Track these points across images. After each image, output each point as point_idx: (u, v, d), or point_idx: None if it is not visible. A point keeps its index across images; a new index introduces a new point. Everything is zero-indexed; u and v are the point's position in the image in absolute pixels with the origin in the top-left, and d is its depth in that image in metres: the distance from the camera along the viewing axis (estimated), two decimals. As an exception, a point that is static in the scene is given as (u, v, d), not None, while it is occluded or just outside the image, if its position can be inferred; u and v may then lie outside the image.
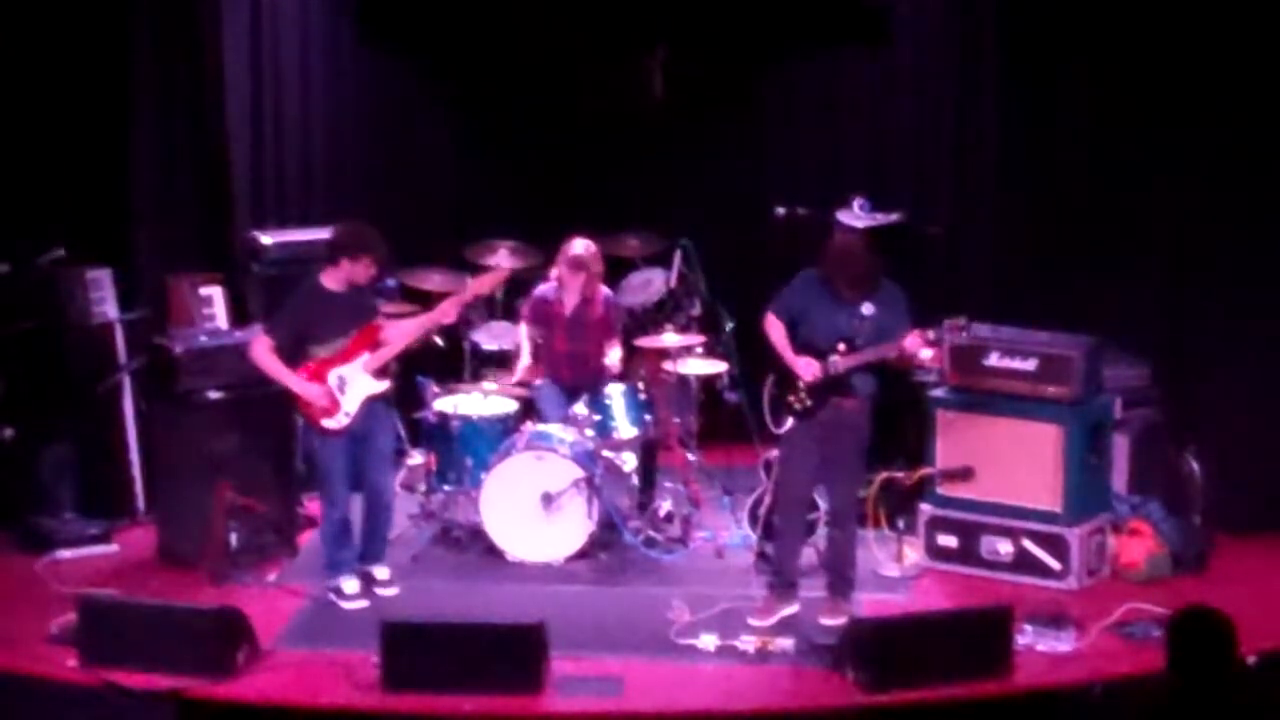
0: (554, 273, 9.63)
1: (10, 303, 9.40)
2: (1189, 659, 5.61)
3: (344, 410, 8.32)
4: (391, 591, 8.59)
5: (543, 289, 9.66)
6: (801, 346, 8.12)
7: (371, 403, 8.40)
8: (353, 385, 8.34)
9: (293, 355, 8.31)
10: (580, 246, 9.47)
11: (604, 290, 9.65)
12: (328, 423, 8.32)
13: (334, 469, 8.37)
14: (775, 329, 8.22)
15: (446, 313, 8.61)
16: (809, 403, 8.11)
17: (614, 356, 9.53)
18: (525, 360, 9.63)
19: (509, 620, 7.67)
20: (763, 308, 8.27)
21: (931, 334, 7.98)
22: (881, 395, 9.38)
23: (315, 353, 8.32)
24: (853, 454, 8.23)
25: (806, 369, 8.07)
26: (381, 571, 8.64)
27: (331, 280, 8.34)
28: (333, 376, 8.31)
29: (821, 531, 8.60)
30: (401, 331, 8.58)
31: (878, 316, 8.02)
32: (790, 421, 8.17)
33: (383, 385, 8.46)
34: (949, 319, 8.03)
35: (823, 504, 8.59)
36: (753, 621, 8.14)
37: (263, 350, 8.33)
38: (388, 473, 8.73)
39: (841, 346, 8.03)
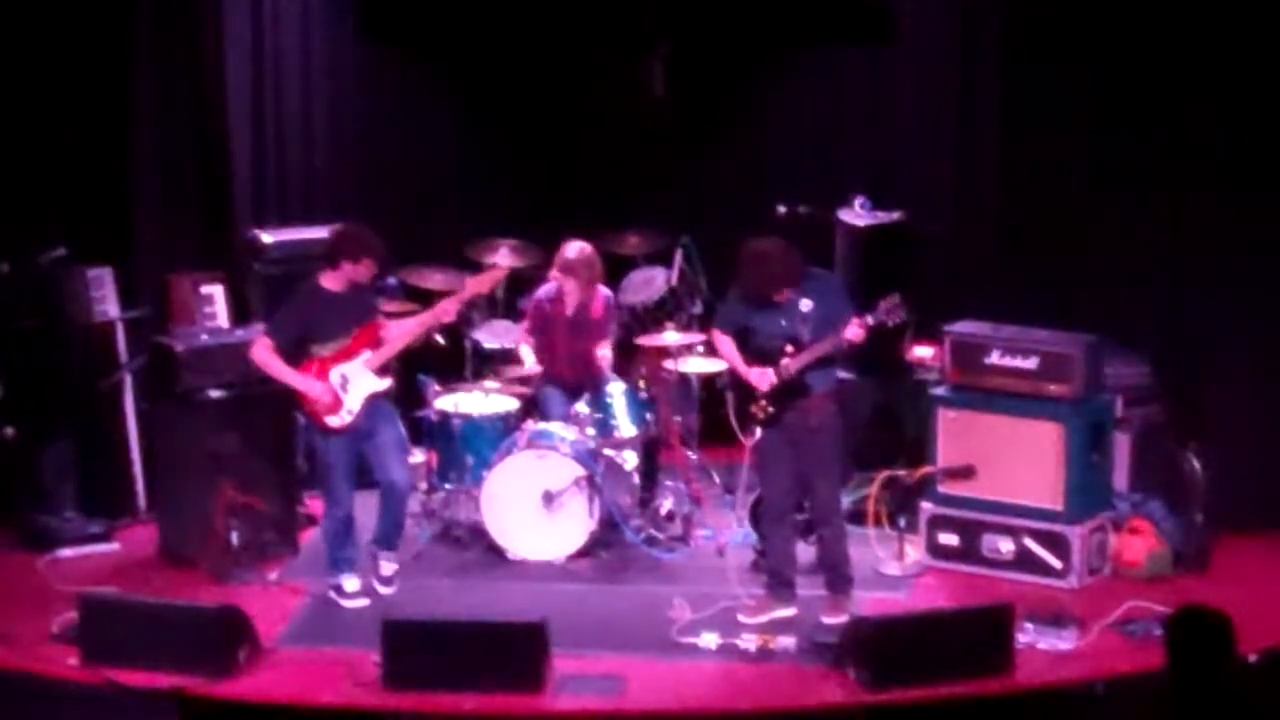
0: (554, 273, 9.64)
1: (11, 301, 9.41)
2: (1188, 658, 5.61)
3: (347, 408, 8.33)
4: (389, 590, 8.59)
5: (544, 290, 9.67)
6: (754, 355, 8.14)
7: (374, 400, 8.41)
8: (355, 383, 8.35)
9: (294, 355, 8.32)
10: (573, 250, 9.47)
11: (603, 291, 9.64)
12: (332, 420, 8.33)
13: (337, 467, 8.38)
14: (724, 344, 8.27)
15: (446, 311, 8.63)
16: (771, 410, 8.12)
17: (604, 353, 9.52)
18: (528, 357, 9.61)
19: (510, 619, 7.69)
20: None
21: (870, 318, 7.96)
22: (881, 394, 9.42)
23: (317, 352, 8.33)
24: (827, 451, 8.22)
25: (760, 379, 8.09)
26: (388, 566, 8.63)
27: (331, 281, 8.35)
28: (335, 375, 8.32)
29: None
30: (402, 330, 8.60)
31: (818, 310, 8.03)
32: (758, 432, 8.18)
33: (385, 383, 8.48)
34: (883, 299, 8.00)
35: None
36: (742, 619, 8.15)
37: (264, 351, 8.34)
38: (402, 464, 8.67)
39: (789, 348, 8.04)
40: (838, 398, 8.26)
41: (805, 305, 8.04)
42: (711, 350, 9.91)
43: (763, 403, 8.12)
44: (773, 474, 8.29)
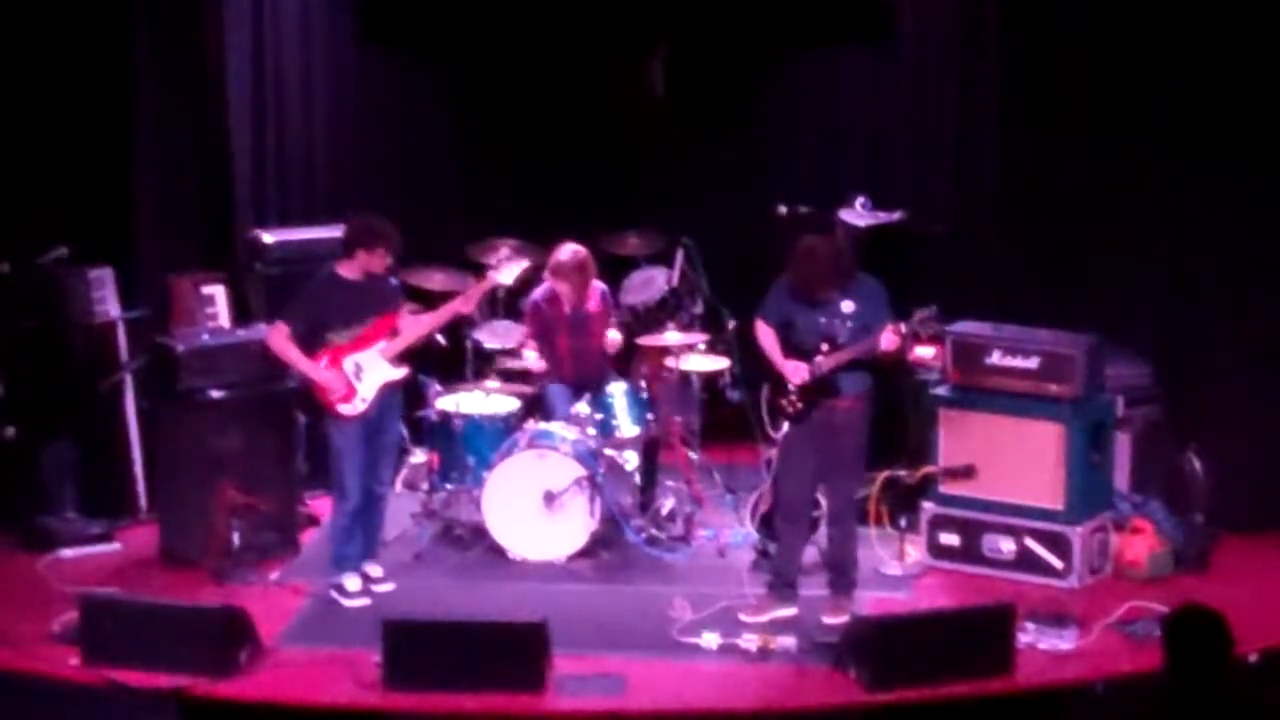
0: (546, 275, 9.64)
1: (12, 302, 9.41)
2: (1185, 658, 5.62)
3: (360, 396, 8.34)
4: (387, 587, 8.60)
5: (539, 292, 9.67)
6: (792, 350, 8.15)
7: (388, 392, 8.42)
8: (369, 372, 8.36)
9: (310, 343, 8.34)
10: (565, 254, 9.47)
11: (598, 286, 9.65)
12: (344, 409, 8.33)
13: (349, 458, 8.37)
14: (765, 335, 8.27)
15: (467, 302, 8.71)
16: (800, 406, 8.13)
17: (613, 336, 9.53)
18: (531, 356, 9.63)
19: (511, 618, 7.68)
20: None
21: (904, 327, 7.98)
22: (882, 394, 9.41)
23: (332, 340, 8.35)
24: (849, 454, 8.23)
25: (794, 373, 8.11)
26: (375, 569, 8.65)
27: (347, 270, 8.37)
28: (349, 363, 8.34)
29: (824, 530, 8.60)
30: (420, 320, 8.62)
31: (858, 313, 8.05)
32: (785, 426, 8.20)
33: (400, 372, 8.49)
34: (919, 310, 8.02)
35: (824, 503, 8.59)
36: (744, 618, 8.15)
37: (279, 337, 8.37)
38: (390, 473, 8.77)
39: (825, 347, 8.06)
40: (869, 401, 8.25)
41: (847, 306, 8.06)
42: (715, 349, 9.94)
43: (792, 397, 8.13)
44: (792, 471, 8.29)
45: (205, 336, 9.22)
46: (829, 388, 8.09)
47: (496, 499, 8.99)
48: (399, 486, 9.70)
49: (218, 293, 9.82)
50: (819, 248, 8.19)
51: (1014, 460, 8.79)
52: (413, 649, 7.46)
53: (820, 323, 8.08)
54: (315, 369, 8.33)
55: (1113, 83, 9.77)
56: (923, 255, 10.25)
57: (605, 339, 9.56)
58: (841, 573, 8.31)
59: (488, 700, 7.35)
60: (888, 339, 7.94)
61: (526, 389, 9.70)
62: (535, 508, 8.95)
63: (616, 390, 9.39)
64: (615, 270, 10.45)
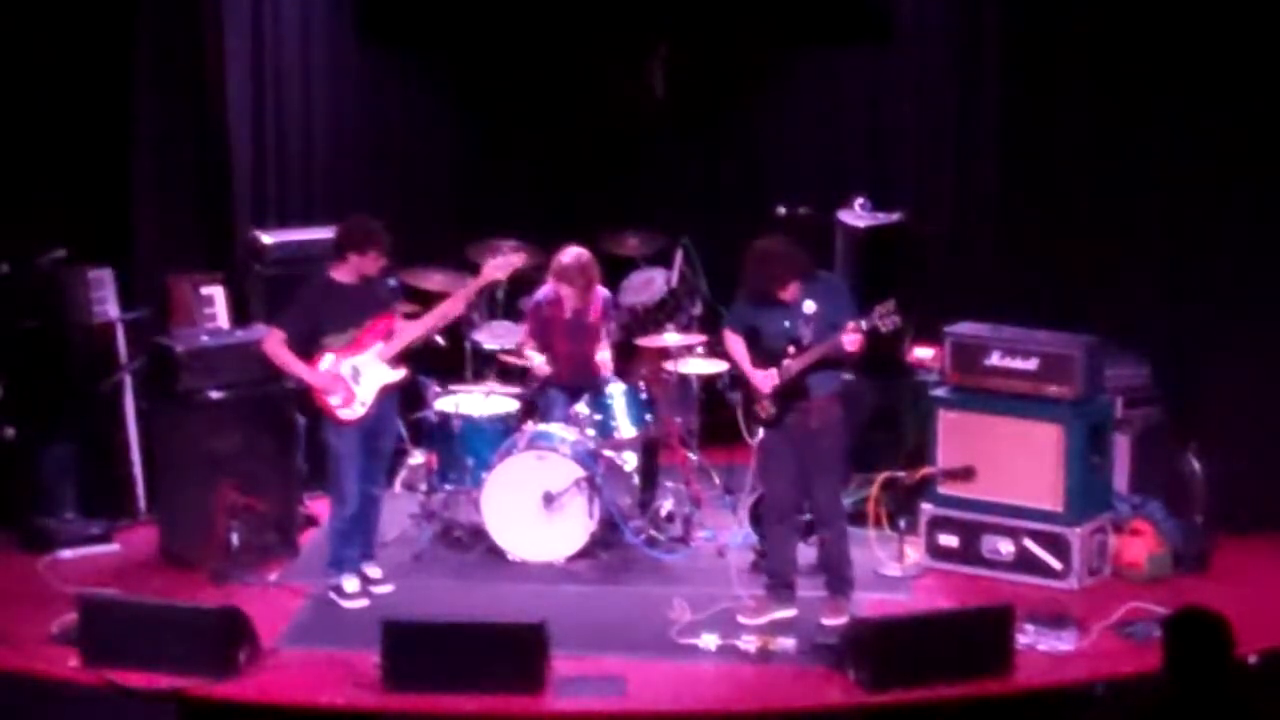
0: (549, 278, 9.62)
1: (12, 302, 9.41)
2: (1185, 660, 5.61)
3: (360, 400, 8.34)
4: (386, 588, 8.60)
5: (541, 293, 9.66)
6: (761, 355, 8.15)
7: (386, 395, 8.42)
8: (367, 374, 8.36)
9: (306, 348, 8.34)
10: (568, 257, 9.45)
11: (602, 293, 9.64)
12: (344, 413, 8.33)
13: (347, 463, 8.37)
14: (734, 344, 8.29)
15: (460, 301, 8.70)
16: (773, 411, 8.13)
17: (603, 356, 9.53)
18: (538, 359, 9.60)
19: (510, 620, 7.69)
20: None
21: (863, 323, 7.94)
22: (881, 394, 9.43)
23: (328, 344, 8.34)
24: (829, 455, 8.22)
25: (763, 380, 8.10)
26: (374, 571, 8.65)
27: (341, 274, 8.37)
28: (346, 366, 8.33)
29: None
30: (417, 321, 8.61)
31: (821, 312, 8.03)
32: (761, 432, 8.19)
33: (398, 374, 8.49)
34: (879, 304, 7.99)
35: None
36: (742, 620, 8.15)
37: (275, 343, 8.37)
38: (383, 472, 8.78)
39: (791, 349, 8.05)
40: (843, 401, 8.25)
41: (809, 307, 8.04)
42: (714, 351, 9.94)
43: (765, 403, 8.13)
44: (774, 474, 8.30)
45: (205, 337, 9.23)
46: (799, 390, 8.08)
47: (495, 500, 8.99)
48: (398, 487, 9.71)
49: (217, 293, 9.83)
50: (768, 248, 8.16)
51: (1013, 461, 8.79)
52: (412, 650, 7.46)
53: (784, 326, 8.07)
54: (313, 374, 8.33)
55: (1113, 84, 9.76)
56: (923, 256, 10.25)
57: (600, 350, 9.55)
58: (837, 574, 8.30)
59: (487, 701, 7.35)
60: (849, 339, 7.90)
61: (525, 390, 9.68)
62: (534, 509, 8.94)
63: (615, 391, 9.39)
64: (615, 270, 10.44)
